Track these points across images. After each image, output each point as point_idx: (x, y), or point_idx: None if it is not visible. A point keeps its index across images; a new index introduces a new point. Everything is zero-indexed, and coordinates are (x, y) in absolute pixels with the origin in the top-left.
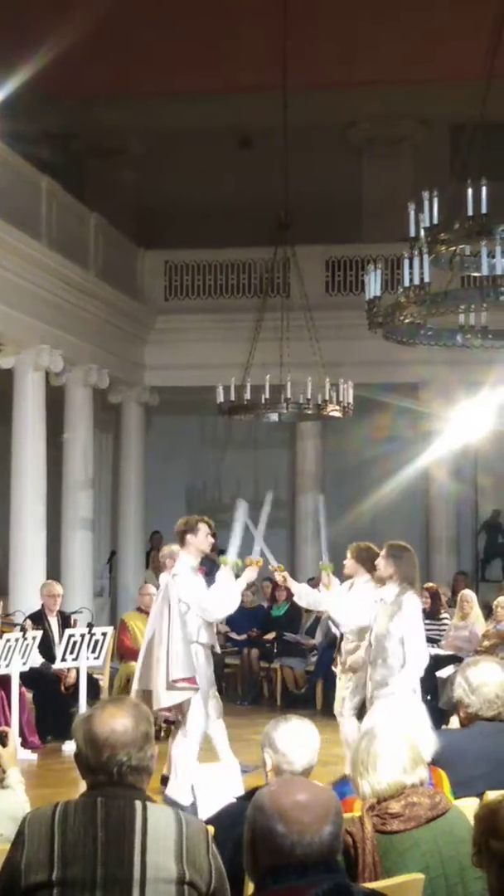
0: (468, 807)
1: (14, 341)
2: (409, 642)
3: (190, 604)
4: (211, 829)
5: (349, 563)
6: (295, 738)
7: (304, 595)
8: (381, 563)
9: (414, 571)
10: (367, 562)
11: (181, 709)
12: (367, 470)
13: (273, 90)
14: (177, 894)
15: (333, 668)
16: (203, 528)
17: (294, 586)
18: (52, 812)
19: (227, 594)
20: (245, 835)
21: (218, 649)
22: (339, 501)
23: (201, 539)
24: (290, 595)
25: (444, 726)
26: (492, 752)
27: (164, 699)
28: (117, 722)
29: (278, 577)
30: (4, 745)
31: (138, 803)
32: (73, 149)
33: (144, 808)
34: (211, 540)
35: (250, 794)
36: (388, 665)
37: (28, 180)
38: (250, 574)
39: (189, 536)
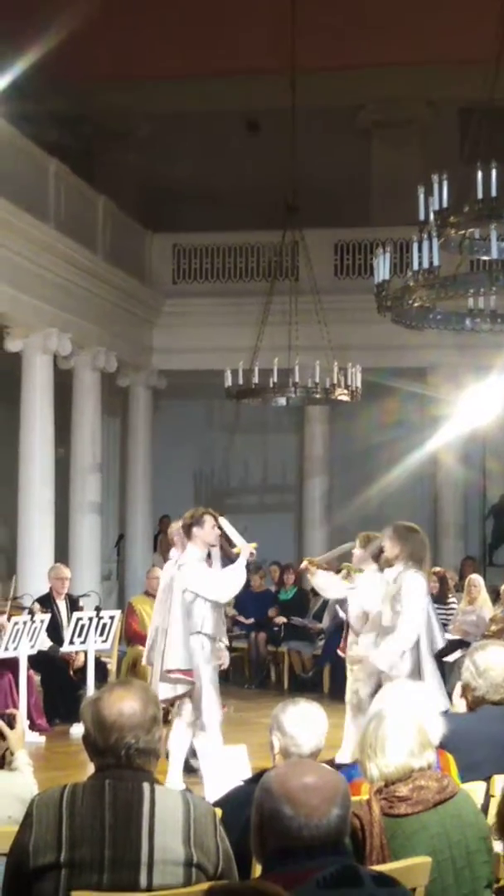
0: (475, 790)
1: (22, 324)
2: (402, 613)
3: (197, 591)
4: (218, 811)
5: (358, 553)
6: (303, 722)
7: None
8: (386, 543)
9: (424, 552)
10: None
11: (194, 703)
12: (375, 455)
13: (281, 73)
14: (184, 876)
15: (340, 652)
16: (209, 521)
17: (319, 579)
18: (60, 794)
19: (231, 574)
20: (253, 817)
21: (226, 641)
22: (346, 486)
23: (207, 531)
24: (297, 579)
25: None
26: (499, 736)
27: (161, 691)
28: (125, 704)
29: (308, 568)
30: (12, 728)
31: (146, 785)
32: (80, 132)
33: (152, 791)
34: (217, 532)
35: (258, 776)
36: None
37: (36, 163)
38: (246, 552)
39: (195, 529)
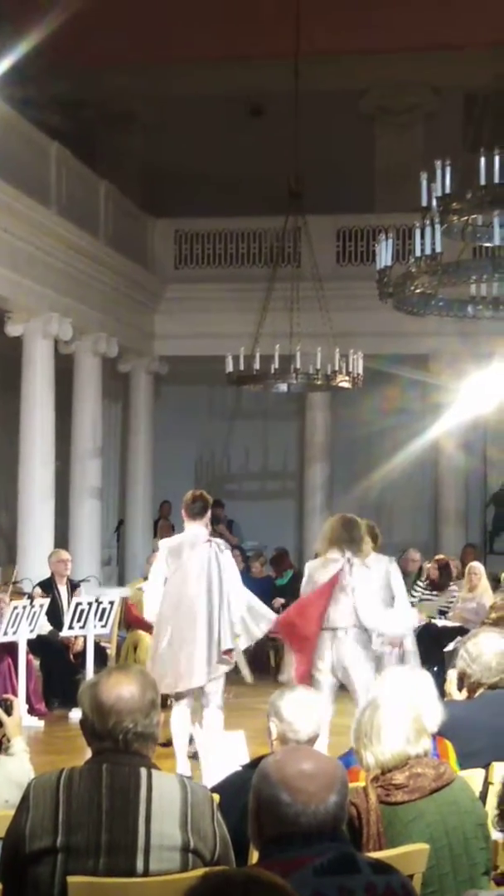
0: (474, 777)
1: (23, 309)
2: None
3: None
4: (216, 797)
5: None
6: (301, 708)
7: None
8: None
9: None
10: (374, 539)
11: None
12: (376, 442)
13: (285, 57)
14: (181, 861)
15: None
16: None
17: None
18: (57, 778)
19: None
20: (250, 803)
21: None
22: (347, 473)
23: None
24: (292, 564)
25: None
26: (498, 724)
27: (208, 672)
28: (124, 689)
29: None
30: (9, 714)
31: (143, 770)
32: (83, 116)
33: (149, 776)
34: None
35: (255, 762)
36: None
37: (38, 147)
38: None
39: (206, 512)
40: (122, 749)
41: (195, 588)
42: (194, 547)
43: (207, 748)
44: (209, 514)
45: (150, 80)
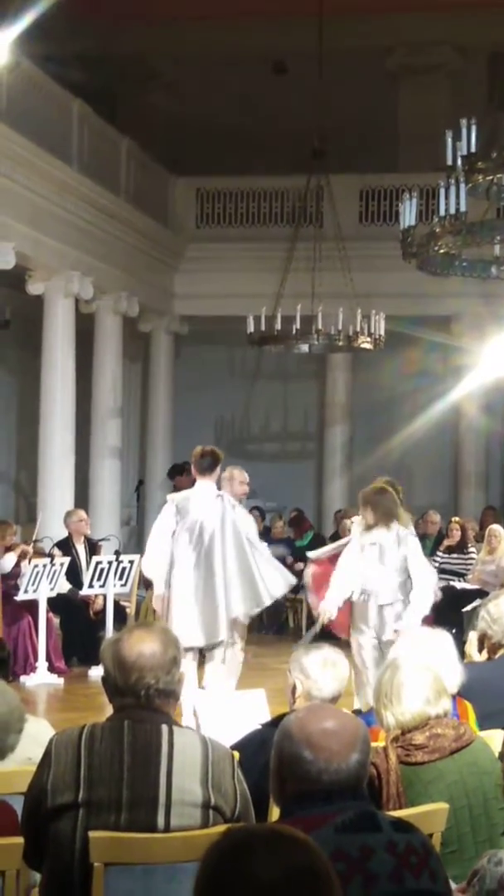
0: (493, 738)
1: (44, 267)
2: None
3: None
4: (236, 754)
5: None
6: (326, 665)
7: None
8: (362, 513)
9: (396, 508)
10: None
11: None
12: (397, 404)
13: (308, 15)
14: (202, 818)
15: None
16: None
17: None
18: (78, 734)
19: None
20: (272, 761)
21: None
22: (368, 435)
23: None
24: (312, 525)
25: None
26: None
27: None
28: (145, 645)
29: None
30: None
31: (165, 727)
32: (104, 73)
33: (171, 732)
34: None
35: (276, 720)
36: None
37: (60, 104)
38: None
39: (217, 467)
40: (143, 705)
41: (210, 543)
42: (205, 502)
43: (206, 709)
44: (219, 469)
45: (173, 36)
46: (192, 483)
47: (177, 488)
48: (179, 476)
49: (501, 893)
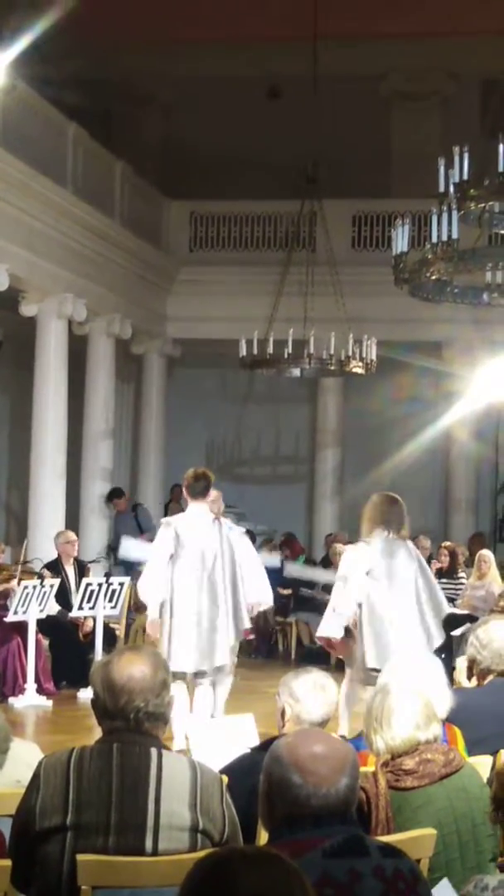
0: (482, 764)
1: (38, 289)
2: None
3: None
4: (225, 778)
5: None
6: (315, 689)
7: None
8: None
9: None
10: None
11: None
12: (388, 429)
13: (303, 40)
14: (190, 841)
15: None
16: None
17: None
18: (67, 757)
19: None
20: (261, 785)
21: None
22: (359, 460)
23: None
24: (303, 549)
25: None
26: None
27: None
28: (135, 668)
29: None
30: None
31: (154, 750)
32: (100, 96)
33: (160, 756)
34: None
35: (265, 744)
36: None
37: (55, 126)
38: None
39: (209, 490)
40: (133, 728)
41: (213, 568)
42: (202, 526)
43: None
44: (212, 492)
45: (169, 60)
46: (180, 507)
47: (119, 512)
48: (118, 499)
49: None
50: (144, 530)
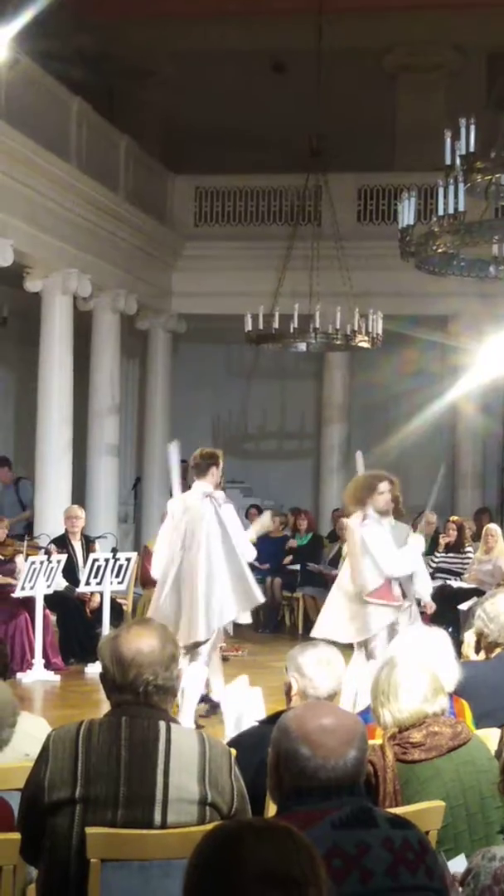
0: (490, 737)
1: (42, 265)
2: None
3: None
4: (233, 751)
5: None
6: (321, 663)
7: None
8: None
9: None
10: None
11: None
12: (394, 404)
13: (308, 13)
14: (198, 814)
15: None
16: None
17: None
18: (76, 730)
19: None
20: (269, 757)
21: None
22: (365, 435)
23: (217, 475)
24: (312, 526)
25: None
26: None
27: (207, 627)
28: (144, 642)
29: None
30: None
31: (162, 723)
32: (104, 70)
33: (168, 729)
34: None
35: (273, 717)
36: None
37: (59, 101)
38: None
39: (214, 469)
40: (141, 702)
41: (194, 545)
42: (193, 503)
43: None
44: (217, 471)
45: (172, 34)
46: None
47: (2, 483)
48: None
49: (496, 888)
50: (25, 506)
